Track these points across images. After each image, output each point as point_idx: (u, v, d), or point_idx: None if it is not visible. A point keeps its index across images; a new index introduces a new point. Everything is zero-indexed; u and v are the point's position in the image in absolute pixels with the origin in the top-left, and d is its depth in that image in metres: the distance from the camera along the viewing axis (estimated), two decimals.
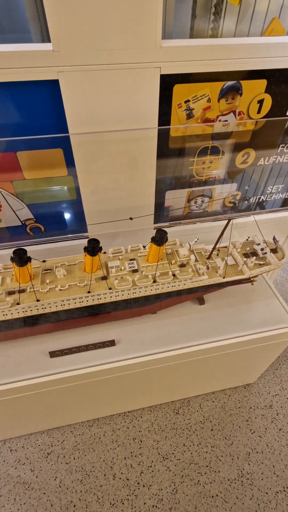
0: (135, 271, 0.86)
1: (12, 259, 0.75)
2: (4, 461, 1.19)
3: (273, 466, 1.19)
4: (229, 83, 0.86)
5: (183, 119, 0.90)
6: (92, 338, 0.94)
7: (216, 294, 1.07)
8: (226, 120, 0.94)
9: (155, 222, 1.18)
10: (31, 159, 0.88)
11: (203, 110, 0.90)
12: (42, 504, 1.09)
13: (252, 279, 1.01)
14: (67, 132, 0.84)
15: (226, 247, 1.00)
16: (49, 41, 0.70)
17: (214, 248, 0.94)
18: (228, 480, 1.16)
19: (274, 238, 1.00)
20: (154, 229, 1.19)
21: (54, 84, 0.75)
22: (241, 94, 0.89)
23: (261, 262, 0.95)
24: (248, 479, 1.16)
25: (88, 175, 0.95)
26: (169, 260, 0.88)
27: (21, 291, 0.80)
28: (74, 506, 1.09)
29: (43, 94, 0.77)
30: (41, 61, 0.69)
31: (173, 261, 0.88)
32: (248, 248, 0.99)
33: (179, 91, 0.84)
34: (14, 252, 0.73)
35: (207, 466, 1.19)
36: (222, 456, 1.22)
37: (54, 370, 0.87)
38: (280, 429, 1.29)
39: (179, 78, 0.81)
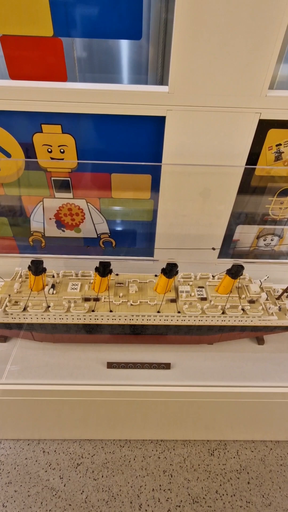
0: (203, 299, 0.88)
1: (96, 269, 0.81)
2: (36, 461, 1.22)
3: None
4: None
5: (271, 161, 0.93)
6: (147, 357, 0.96)
7: (278, 336, 1.03)
8: None
9: (220, 253, 1.20)
10: (122, 181, 0.97)
11: None
12: None
13: None
14: (160, 161, 0.91)
15: None
16: (159, 83, 0.80)
17: (286, 290, 0.92)
18: None
19: None
20: (218, 264, 1.21)
21: (161, 120, 0.83)
22: None
23: None
24: None
25: (169, 201, 1.01)
26: (239, 294, 0.89)
27: (96, 299, 0.85)
28: None
29: (148, 127, 0.85)
30: (156, 100, 0.78)
31: (243, 296, 0.88)
32: None
33: (273, 135, 0.88)
34: (100, 263, 0.80)
35: None
36: None
37: (109, 381, 0.90)
38: None
39: (275, 123, 0.85)
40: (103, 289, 0.85)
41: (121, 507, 1.11)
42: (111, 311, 0.83)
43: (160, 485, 1.17)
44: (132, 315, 0.83)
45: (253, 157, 0.92)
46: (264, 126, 0.86)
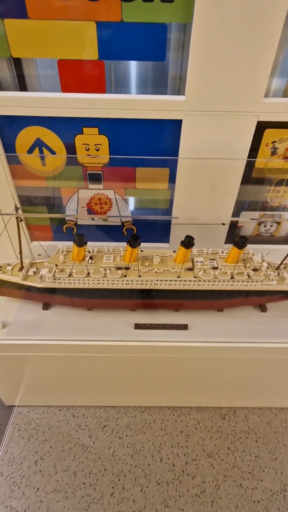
0: (215, 268, 1.06)
1: (128, 242, 1.00)
2: (67, 423, 1.37)
3: None
4: None
5: (268, 155, 1.13)
6: (168, 321, 1.13)
7: (278, 305, 1.20)
8: None
9: (226, 240, 1.37)
10: (144, 173, 1.17)
11: (286, 150, 1.12)
12: (97, 467, 1.23)
13: None
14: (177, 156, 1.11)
15: None
16: (177, 93, 1.01)
17: (283, 261, 1.10)
18: (271, 491, 1.19)
19: None
20: (225, 243, 1.39)
21: (178, 122, 1.03)
22: None
23: None
24: None
25: (183, 191, 1.20)
26: (244, 263, 1.07)
27: (127, 268, 1.04)
28: (124, 475, 1.21)
29: (168, 129, 1.06)
30: (175, 107, 0.99)
31: (248, 265, 1.06)
32: None
33: (269, 134, 1.08)
34: (131, 236, 0.99)
35: (250, 473, 1.24)
36: (265, 468, 1.26)
37: (137, 338, 1.07)
38: None
39: (270, 124, 1.05)
40: (133, 259, 1.04)
41: (144, 460, 1.26)
42: (139, 276, 1.01)
43: (178, 443, 1.32)
44: (157, 280, 1.01)
45: (253, 153, 1.12)
46: (261, 127, 1.06)
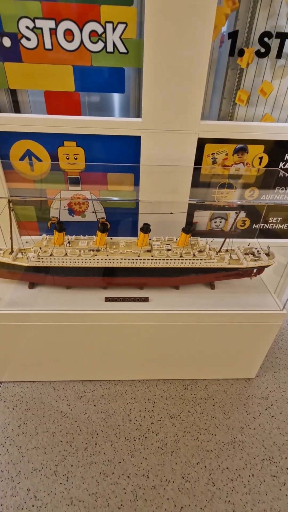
0: (168, 250, 1.33)
1: (98, 228, 1.26)
2: (48, 395, 1.55)
3: (263, 441, 1.40)
4: (240, 145, 1.41)
5: (210, 164, 1.45)
6: (133, 295, 1.37)
7: (223, 283, 1.47)
8: (239, 167, 1.47)
9: None
10: (114, 178, 1.46)
11: (223, 160, 1.44)
12: (74, 428, 1.41)
13: (252, 275, 1.41)
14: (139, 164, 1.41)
15: (233, 249, 1.43)
16: (137, 116, 1.33)
17: (222, 245, 1.38)
18: (222, 442, 1.39)
19: (268, 247, 1.43)
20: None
21: (138, 138, 1.34)
22: (247, 152, 1.42)
23: (256, 259, 1.36)
24: (239, 445, 1.38)
25: (145, 192, 1.49)
26: (192, 247, 1.34)
27: (97, 250, 1.29)
28: (97, 434, 1.39)
29: (131, 143, 1.36)
30: (135, 126, 1.30)
31: (195, 248, 1.34)
32: (248, 250, 1.42)
33: (209, 148, 1.40)
34: (101, 224, 1.25)
35: (206, 429, 1.44)
36: (219, 425, 1.46)
37: (107, 308, 1.31)
38: (272, 416, 1.51)
39: (209, 140, 1.38)
40: (102, 243, 1.30)
41: (115, 422, 1.45)
42: (107, 256, 1.27)
43: (145, 408, 1.52)
44: (122, 259, 1.27)
45: (198, 162, 1.44)
46: (202, 142, 1.38)
